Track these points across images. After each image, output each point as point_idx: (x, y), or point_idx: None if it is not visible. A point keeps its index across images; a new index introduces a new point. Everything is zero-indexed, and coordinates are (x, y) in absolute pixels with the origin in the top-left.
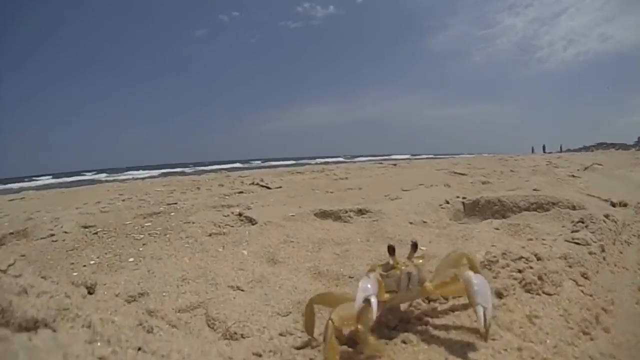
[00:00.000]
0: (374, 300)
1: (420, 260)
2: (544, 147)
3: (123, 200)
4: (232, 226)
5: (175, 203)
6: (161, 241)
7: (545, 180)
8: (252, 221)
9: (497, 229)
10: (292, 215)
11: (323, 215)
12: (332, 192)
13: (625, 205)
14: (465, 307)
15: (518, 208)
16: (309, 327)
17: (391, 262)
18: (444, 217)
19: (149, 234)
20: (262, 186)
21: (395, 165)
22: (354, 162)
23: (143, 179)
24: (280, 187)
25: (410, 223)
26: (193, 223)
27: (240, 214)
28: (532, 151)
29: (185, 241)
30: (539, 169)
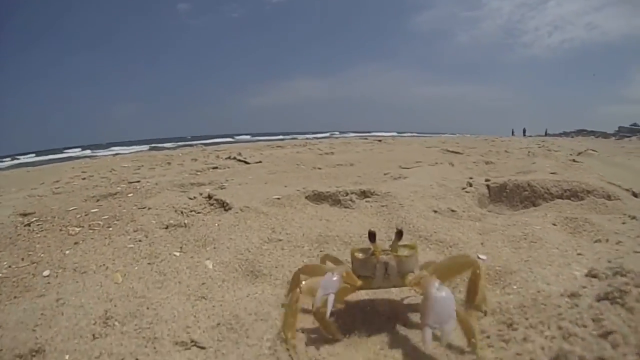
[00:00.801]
0: (331, 298)
1: (406, 252)
2: (524, 131)
3: (83, 179)
4: (199, 212)
5: (138, 181)
6: (99, 238)
7: (552, 163)
8: (224, 206)
9: (555, 224)
10: (278, 198)
11: (317, 198)
12: (320, 169)
13: None
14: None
15: (550, 195)
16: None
17: (371, 248)
18: (471, 203)
19: (89, 225)
20: (240, 161)
21: (380, 141)
22: (337, 138)
23: (122, 154)
24: (260, 162)
25: (435, 212)
26: (149, 209)
27: (210, 196)
28: (512, 134)
29: (130, 238)
30: (535, 151)
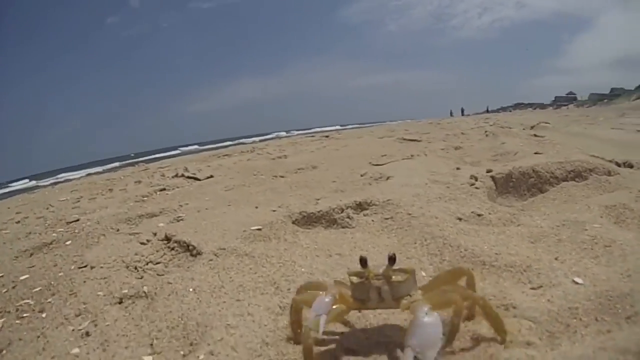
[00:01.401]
0: (322, 320)
1: (399, 277)
2: (462, 110)
3: (17, 222)
4: (158, 263)
5: (77, 220)
6: (29, 338)
7: (519, 142)
8: (191, 250)
9: (601, 216)
10: (258, 229)
11: (307, 221)
12: (282, 177)
13: (631, 166)
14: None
15: (555, 179)
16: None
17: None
18: (486, 200)
19: (16, 310)
20: (189, 177)
21: (327, 137)
22: (281, 138)
23: (61, 184)
24: (211, 176)
25: (459, 219)
26: (92, 268)
27: (168, 238)
28: (451, 114)
29: (73, 330)
30: (492, 130)
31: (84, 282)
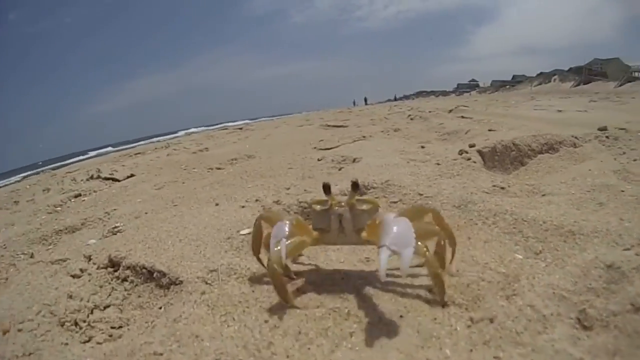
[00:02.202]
0: (283, 242)
1: (364, 206)
2: (365, 99)
3: None
4: (110, 307)
5: None
6: None
7: (461, 122)
8: (158, 279)
9: (619, 179)
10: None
11: (306, 214)
12: (219, 168)
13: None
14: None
15: (533, 151)
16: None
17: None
18: (489, 173)
19: None
20: (106, 179)
21: (241, 129)
22: (191, 134)
23: None
24: (132, 175)
25: (486, 193)
26: (5, 336)
27: (113, 264)
28: (354, 104)
29: None
30: (413, 113)
31: None
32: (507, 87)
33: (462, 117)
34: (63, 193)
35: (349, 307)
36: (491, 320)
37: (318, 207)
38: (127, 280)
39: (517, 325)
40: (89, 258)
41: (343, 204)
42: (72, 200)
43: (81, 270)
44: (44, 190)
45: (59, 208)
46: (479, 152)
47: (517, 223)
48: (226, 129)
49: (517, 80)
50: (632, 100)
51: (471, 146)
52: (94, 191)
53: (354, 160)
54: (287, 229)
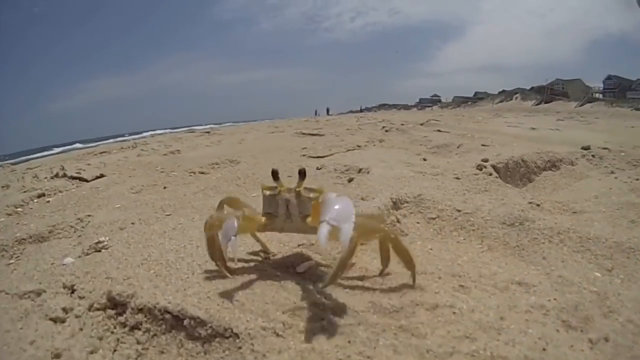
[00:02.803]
0: (232, 242)
1: (310, 194)
2: (327, 110)
3: None
4: None
5: None
6: None
7: (447, 136)
8: (196, 336)
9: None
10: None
11: None
12: (203, 173)
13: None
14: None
15: (538, 168)
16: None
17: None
18: (513, 191)
19: None
20: (74, 178)
21: (208, 132)
22: (154, 136)
23: None
24: (102, 175)
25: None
26: None
27: (115, 303)
28: (316, 114)
29: None
30: (386, 125)
31: None
32: (469, 103)
33: (439, 130)
34: (24, 191)
35: None
36: (606, 340)
37: (267, 193)
38: (139, 329)
39: (626, 340)
40: (72, 289)
41: (291, 190)
42: (35, 200)
43: (64, 310)
44: (2, 187)
45: (19, 209)
46: (494, 167)
47: (582, 241)
48: (192, 132)
49: (478, 97)
50: (597, 120)
51: (484, 161)
52: (60, 191)
53: (359, 171)
54: (236, 227)
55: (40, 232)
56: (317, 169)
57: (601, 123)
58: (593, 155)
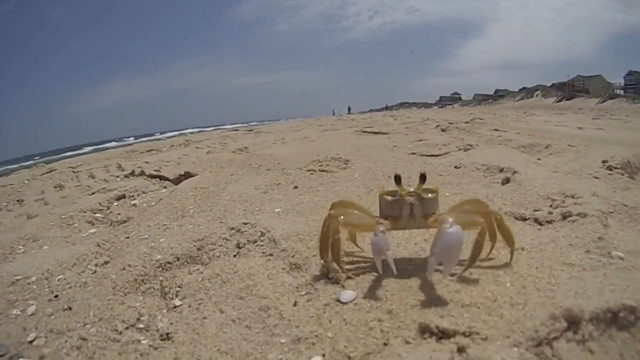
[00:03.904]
0: (389, 257)
1: (429, 195)
2: (349, 108)
3: None
4: None
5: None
6: None
7: (515, 134)
8: None
9: None
10: None
11: None
12: (327, 171)
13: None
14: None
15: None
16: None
17: (398, 190)
18: None
19: None
20: (153, 177)
21: (251, 131)
22: (179, 136)
23: None
24: (189, 173)
25: None
26: None
27: None
28: (333, 114)
29: None
30: (441, 124)
31: None
32: (489, 101)
33: (496, 130)
34: (92, 193)
35: None
36: None
37: (389, 198)
38: None
39: None
40: None
41: (412, 193)
42: (115, 203)
43: None
44: (55, 187)
45: (98, 214)
46: (619, 167)
47: None
48: (237, 130)
49: (499, 95)
50: (628, 118)
51: (604, 162)
52: (143, 192)
53: (501, 170)
54: (387, 241)
55: (189, 251)
56: (455, 167)
57: (637, 122)
58: None
